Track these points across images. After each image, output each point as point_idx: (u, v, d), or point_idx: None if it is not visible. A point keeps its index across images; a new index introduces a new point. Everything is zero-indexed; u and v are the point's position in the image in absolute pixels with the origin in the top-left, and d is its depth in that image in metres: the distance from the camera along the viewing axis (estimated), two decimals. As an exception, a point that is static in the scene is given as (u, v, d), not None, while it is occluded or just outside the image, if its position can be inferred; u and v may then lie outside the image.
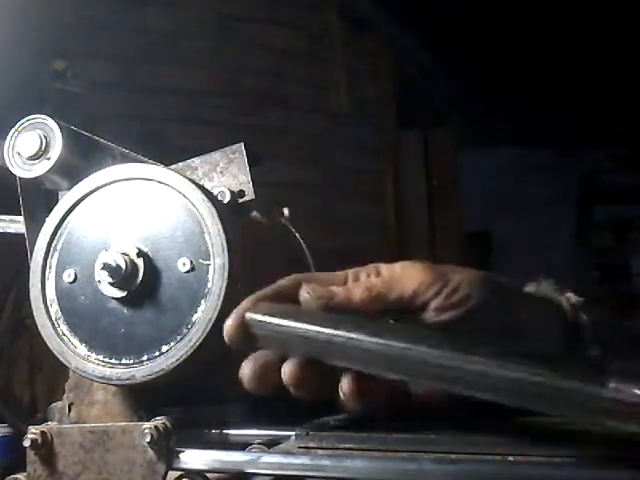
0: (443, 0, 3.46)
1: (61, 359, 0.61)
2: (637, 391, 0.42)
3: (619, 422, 0.43)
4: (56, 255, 0.63)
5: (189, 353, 0.58)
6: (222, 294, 0.58)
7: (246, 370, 0.54)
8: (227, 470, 0.56)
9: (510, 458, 0.47)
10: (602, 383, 0.43)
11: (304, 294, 0.55)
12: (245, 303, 0.55)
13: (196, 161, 0.70)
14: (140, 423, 0.58)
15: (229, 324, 0.54)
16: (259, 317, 0.54)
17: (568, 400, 0.45)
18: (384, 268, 0.59)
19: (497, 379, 0.47)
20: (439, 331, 0.54)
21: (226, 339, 0.54)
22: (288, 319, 0.53)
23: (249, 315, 0.54)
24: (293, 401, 0.56)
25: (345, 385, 0.53)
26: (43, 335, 0.62)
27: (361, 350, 0.51)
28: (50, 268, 0.63)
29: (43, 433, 0.60)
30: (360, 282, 0.57)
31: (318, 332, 0.52)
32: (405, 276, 0.57)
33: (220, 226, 0.60)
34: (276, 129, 2.97)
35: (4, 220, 0.87)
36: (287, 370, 0.53)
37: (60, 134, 0.63)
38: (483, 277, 0.58)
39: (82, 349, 0.61)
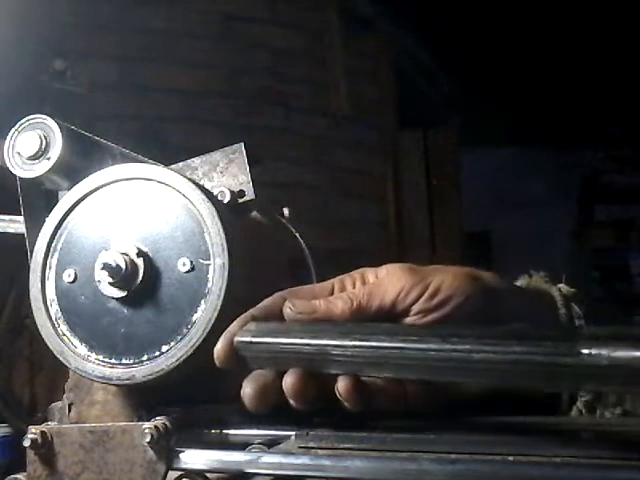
0: (443, 0, 3.46)
1: (61, 359, 0.61)
2: (610, 354, 0.43)
3: (596, 385, 0.44)
4: (56, 255, 0.63)
5: (189, 353, 0.58)
6: (222, 294, 0.58)
7: (247, 390, 0.55)
8: (227, 470, 0.56)
9: (510, 458, 0.47)
10: (576, 351, 0.44)
11: (287, 310, 0.57)
12: (233, 327, 0.56)
13: (196, 161, 0.70)
14: (140, 423, 0.58)
15: (218, 349, 0.56)
16: (247, 339, 0.55)
17: (544, 372, 0.46)
18: (370, 274, 0.60)
19: (475, 362, 0.48)
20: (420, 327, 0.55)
21: (217, 363, 0.56)
22: (275, 337, 0.54)
23: (237, 338, 0.55)
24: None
25: (341, 387, 0.54)
26: (43, 335, 0.62)
27: (348, 356, 0.52)
28: (50, 268, 0.63)
29: (43, 433, 0.60)
30: (342, 294, 0.58)
31: (304, 345, 0.53)
32: (386, 283, 0.58)
33: (220, 226, 0.60)
34: (276, 129, 2.97)
35: (4, 220, 0.87)
36: (288, 382, 0.54)
37: (60, 134, 0.63)
38: (467, 277, 0.59)
39: (82, 349, 0.61)
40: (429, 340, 0.50)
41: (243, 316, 0.57)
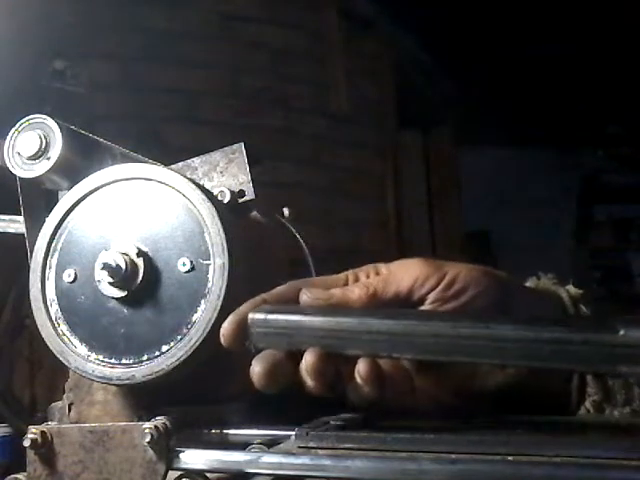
0: (443, 0, 3.46)
1: (61, 359, 0.61)
2: None
3: (632, 366, 0.44)
4: (56, 255, 0.63)
5: (189, 353, 0.58)
6: (222, 294, 0.58)
7: (257, 368, 0.54)
8: (227, 470, 0.56)
9: (510, 458, 0.47)
10: (613, 331, 0.44)
11: (303, 297, 0.56)
12: (243, 306, 0.56)
13: (196, 161, 0.70)
14: (140, 423, 0.58)
15: (226, 326, 0.55)
16: (262, 316, 0.55)
17: (582, 351, 0.46)
18: (383, 267, 0.60)
19: (513, 342, 0.47)
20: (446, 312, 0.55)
21: (223, 341, 0.55)
22: (293, 315, 0.54)
23: (252, 315, 0.55)
24: (293, 400, 0.56)
25: (362, 369, 0.53)
26: (43, 335, 0.62)
27: (372, 333, 0.51)
28: (50, 268, 0.63)
29: (43, 433, 0.60)
30: (358, 282, 0.58)
31: (325, 322, 0.53)
32: (401, 272, 0.58)
33: (220, 226, 0.60)
34: (276, 129, 2.97)
35: (4, 220, 0.87)
36: (308, 360, 0.53)
37: (60, 134, 0.63)
38: (481, 271, 0.59)
39: (82, 349, 0.61)
40: (462, 319, 0.49)
41: (254, 299, 0.56)
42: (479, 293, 0.57)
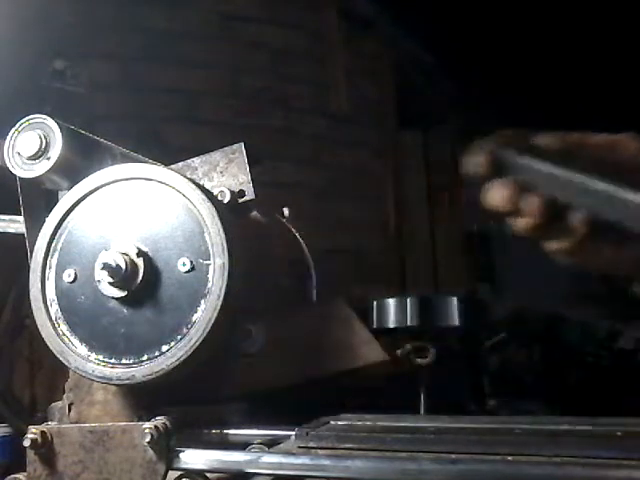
0: (443, 1, 3.46)
1: (61, 359, 0.61)
2: None
3: None
4: (56, 255, 0.63)
5: (189, 353, 0.58)
6: (222, 294, 0.58)
7: (500, 191, 0.60)
8: (227, 470, 0.56)
9: (510, 458, 0.47)
10: None
11: (541, 138, 0.63)
12: (490, 140, 0.62)
13: (196, 161, 0.70)
14: (140, 423, 0.58)
15: (478, 158, 0.61)
16: (512, 156, 0.60)
17: None
18: (613, 135, 0.66)
19: None
20: None
21: (472, 169, 0.61)
22: (538, 161, 0.60)
23: (503, 152, 0.61)
24: (293, 400, 0.56)
25: (579, 217, 0.58)
26: (43, 335, 0.62)
27: (597, 192, 0.55)
28: (50, 268, 0.63)
29: (43, 433, 0.60)
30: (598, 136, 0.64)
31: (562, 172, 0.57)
32: (629, 141, 0.65)
33: (220, 226, 0.60)
34: (276, 129, 2.96)
35: (4, 220, 0.87)
36: (534, 199, 0.58)
37: (60, 134, 0.63)
38: None
39: (82, 349, 0.61)
40: None
41: (490, 138, 0.62)
42: None
